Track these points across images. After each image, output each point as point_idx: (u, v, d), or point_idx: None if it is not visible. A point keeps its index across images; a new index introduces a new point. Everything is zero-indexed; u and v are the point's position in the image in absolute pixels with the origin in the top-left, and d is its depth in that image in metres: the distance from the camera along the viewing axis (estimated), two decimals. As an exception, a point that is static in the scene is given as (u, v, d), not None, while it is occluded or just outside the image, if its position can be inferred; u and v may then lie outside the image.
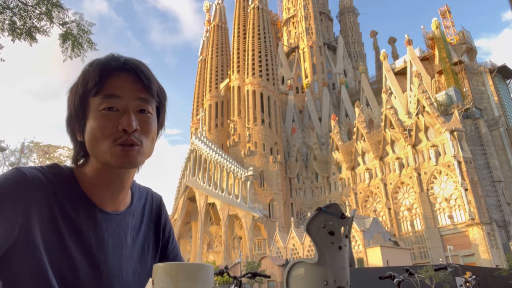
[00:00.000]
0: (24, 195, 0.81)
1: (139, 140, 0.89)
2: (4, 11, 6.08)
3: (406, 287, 4.84)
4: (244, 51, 79.14)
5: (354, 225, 46.53)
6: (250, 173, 62.58)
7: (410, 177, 56.83)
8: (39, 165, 0.93)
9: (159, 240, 1.09)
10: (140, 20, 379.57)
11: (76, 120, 0.92)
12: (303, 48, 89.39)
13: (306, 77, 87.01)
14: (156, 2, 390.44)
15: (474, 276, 5.53)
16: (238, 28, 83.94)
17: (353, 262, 1.48)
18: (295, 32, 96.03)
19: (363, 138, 64.26)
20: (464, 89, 60.70)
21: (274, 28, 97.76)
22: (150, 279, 0.78)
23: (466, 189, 49.54)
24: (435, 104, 57.46)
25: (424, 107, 56.92)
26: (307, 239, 48.21)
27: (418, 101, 57.92)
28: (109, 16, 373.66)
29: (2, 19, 6.09)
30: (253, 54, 75.88)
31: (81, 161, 0.97)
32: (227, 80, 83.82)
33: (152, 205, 1.11)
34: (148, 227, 1.06)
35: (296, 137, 75.98)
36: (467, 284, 5.27)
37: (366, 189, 62.67)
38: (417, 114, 57.63)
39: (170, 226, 1.16)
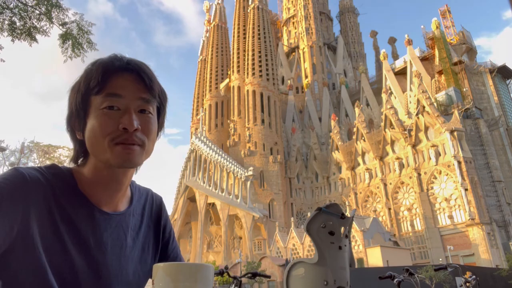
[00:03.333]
0: (22, 195, 0.81)
1: (140, 140, 0.90)
2: (4, 12, 6.07)
3: (406, 287, 4.84)
4: (244, 51, 79.14)
5: (354, 225, 46.54)
6: (250, 173, 62.58)
7: (410, 177, 56.83)
8: (37, 165, 0.94)
9: (159, 240, 1.09)
10: (144, 22, 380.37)
11: (76, 119, 0.93)
12: (303, 48, 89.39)
13: (306, 77, 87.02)
14: (160, 4, 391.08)
15: (474, 276, 5.53)
16: (238, 28, 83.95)
17: (353, 262, 1.48)
18: (295, 32, 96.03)
19: (363, 138, 64.26)
20: (464, 89, 60.71)
21: (274, 28, 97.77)
22: (150, 279, 0.78)
23: (466, 189, 49.54)
24: (435, 104, 57.47)
25: (424, 107, 56.93)
26: (307, 239, 48.22)
27: (418, 101, 57.93)
28: (113, 17, 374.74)
29: (1, 20, 6.09)
30: (253, 54, 75.89)
31: (80, 161, 0.97)
32: (227, 80, 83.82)
33: (152, 206, 1.11)
34: (148, 228, 1.06)
35: (296, 137, 75.98)
36: (467, 284, 5.27)
37: (366, 189, 62.67)
38: (417, 114, 57.64)
39: (170, 227, 1.16)
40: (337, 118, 71.61)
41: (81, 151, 0.96)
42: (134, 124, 0.88)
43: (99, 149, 0.89)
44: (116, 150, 0.87)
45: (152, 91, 0.94)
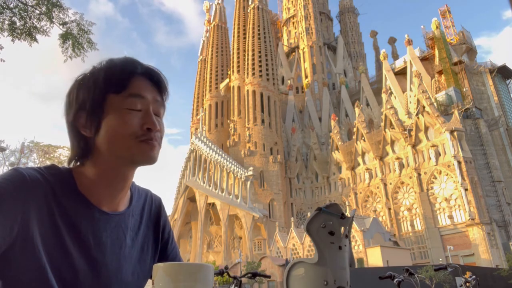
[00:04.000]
0: (22, 195, 0.81)
1: (159, 139, 0.95)
2: (4, 11, 6.07)
3: (406, 287, 4.84)
4: (244, 51, 79.15)
5: (354, 225, 46.55)
6: (250, 173, 62.59)
7: (410, 177, 56.83)
8: (37, 165, 0.94)
9: (158, 241, 1.10)
10: (145, 22, 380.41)
11: (89, 115, 0.93)
12: (303, 48, 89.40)
13: (306, 77, 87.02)
14: (161, 4, 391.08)
15: (474, 276, 5.53)
16: (238, 28, 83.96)
17: (353, 262, 1.48)
18: (295, 32, 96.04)
19: (363, 138, 64.26)
20: (464, 89, 60.72)
21: (274, 28, 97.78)
22: (149, 280, 0.80)
23: (466, 189, 49.54)
24: (435, 104, 57.47)
25: (424, 107, 56.94)
26: (307, 239, 48.22)
27: (418, 101, 57.93)
28: (114, 17, 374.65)
29: (2, 19, 6.09)
30: (253, 54, 75.88)
31: (81, 160, 0.97)
32: (227, 80, 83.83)
33: (151, 206, 1.11)
34: (147, 228, 1.07)
35: (296, 137, 75.98)
36: (467, 284, 5.27)
37: (366, 189, 62.67)
38: (417, 114, 57.65)
39: (170, 228, 1.16)
40: (337, 118, 71.61)
41: (86, 148, 0.95)
42: (157, 124, 0.93)
43: (122, 146, 0.91)
44: (141, 147, 0.91)
45: (165, 96, 1.00)
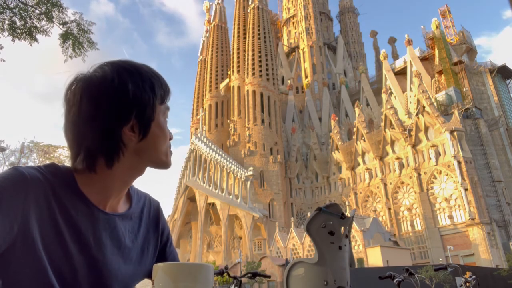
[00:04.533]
0: (22, 194, 0.81)
1: None
2: (4, 11, 6.08)
3: (406, 287, 4.84)
4: (244, 51, 79.14)
5: (354, 225, 46.54)
6: (250, 173, 62.58)
7: (410, 177, 56.83)
8: (37, 164, 0.93)
9: (158, 244, 1.11)
10: (146, 23, 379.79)
11: (143, 120, 0.93)
12: (303, 48, 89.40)
13: (306, 77, 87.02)
14: (162, 5, 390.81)
15: (474, 276, 5.53)
16: (238, 28, 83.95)
17: (353, 262, 1.48)
18: (295, 32, 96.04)
19: (363, 138, 64.26)
20: (464, 89, 60.72)
21: (274, 28, 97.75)
22: (150, 280, 0.82)
23: (466, 189, 49.55)
24: (435, 104, 57.48)
25: (424, 107, 56.94)
26: (307, 239, 48.22)
27: (418, 101, 57.94)
28: (115, 18, 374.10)
29: (2, 19, 6.09)
30: (253, 54, 75.88)
31: (108, 161, 0.94)
32: (227, 80, 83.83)
33: (150, 210, 1.12)
34: (147, 231, 1.08)
35: (296, 137, 75.99)
36: (467, 284, 5.27)
37: (366, 189, 62.67)
38: (417, 114, 57.65)
39: (168, 231, 1.17)
40: (337, 118, 71.62)
41: (117, 150, 0.92)
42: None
43: (162, 153, 0.97)
44: (169, 153, 1.00)
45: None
